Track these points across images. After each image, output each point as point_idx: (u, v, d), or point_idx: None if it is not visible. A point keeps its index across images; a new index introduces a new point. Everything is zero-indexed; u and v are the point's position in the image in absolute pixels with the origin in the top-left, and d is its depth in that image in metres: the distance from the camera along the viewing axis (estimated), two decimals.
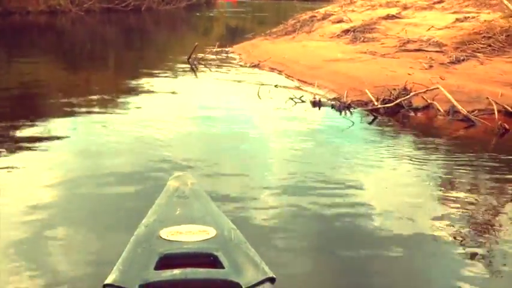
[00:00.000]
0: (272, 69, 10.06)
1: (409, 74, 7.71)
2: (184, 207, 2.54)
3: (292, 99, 7.42)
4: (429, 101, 6.67)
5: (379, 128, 6.48)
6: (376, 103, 6.83)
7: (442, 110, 6.48)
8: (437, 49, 9.11)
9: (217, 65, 11.01)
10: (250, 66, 10.60)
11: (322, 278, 2.96)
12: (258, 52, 11.54)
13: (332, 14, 13.00)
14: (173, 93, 8.25)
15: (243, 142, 5.54)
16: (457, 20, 10.36)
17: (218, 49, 12.26)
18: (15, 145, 5.31)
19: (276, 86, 8.42)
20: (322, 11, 14.65)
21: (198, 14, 33.83)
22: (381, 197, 4.07)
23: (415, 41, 9.74)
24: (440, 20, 10.75)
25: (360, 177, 4.45)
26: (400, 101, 6.73)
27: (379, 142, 5.62)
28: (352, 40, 10.67)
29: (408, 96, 6.76)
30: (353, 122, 6.48)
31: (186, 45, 15.21)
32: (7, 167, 4.52)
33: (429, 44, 9.39)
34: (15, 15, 25.61)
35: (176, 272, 1.99)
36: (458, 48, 8.95)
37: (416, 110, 6.74)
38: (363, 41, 10.47)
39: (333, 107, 7.05)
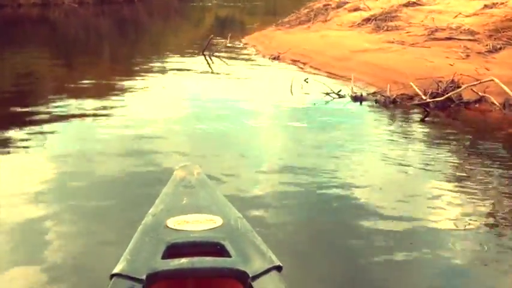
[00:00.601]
0: (294, 61, 9.59)
1: (450, 65, 7.29)
2: (191, 197, 2.54)
3: (328, 94, 6.97)
4: (481, 94, 6.25)
5: (435, 124, 6.06)
6: (424, 97, 6.40)
7: (497, 104, 6.07)
8: (470, 37, 8.69)
9: (234, 58, 10.54)
10: (270, 59, 10.12)
11: None
12: (275, 43, 11.06)
13: (347, 2, 12.50)
14: (197, 90, 7.78)
15: (300, 143, 5.10)
16: (486, 6, 9.93)
17: (229, 41, 11.79)
18: (3, 145, 5.09)
19: (306, 80, 7.95)
20: None
21: (193, 4, 33.12)
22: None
23: (444, 29, 9.30)
24: (466, 7, 10.31)
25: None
26: (451, 95, 6.31)
27: (446, 143, 5.13)
28: (374, 29, 10.21)
29: (460, 89, 6.32)
30: (406, 118, 6.07)
31: (193, 37, 14.79)
32: None
33: (460, 32, 8.97)
34: (7, 8, 24.91)
35: (183, 261, 1.98)
36: (492, 36, 8.53)
37: (468, 103, 6.32)
38: (387, 30, 10.00)
39: (376, 102, 6.61)
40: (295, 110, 6.59)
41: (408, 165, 4.37)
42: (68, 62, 11.19)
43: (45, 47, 14.14)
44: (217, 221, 2.29)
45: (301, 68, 9.16)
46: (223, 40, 11.54)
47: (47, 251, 3.00)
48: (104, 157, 4.64)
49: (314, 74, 8.57)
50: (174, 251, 2.10)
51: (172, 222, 2.28)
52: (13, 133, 5.44)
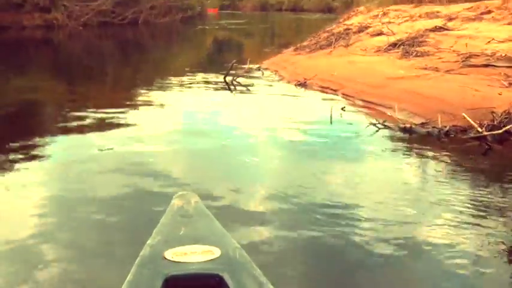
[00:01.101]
0: (323, 88, 9.23)
1: (499, 94, 6.95)
2: (189, 227, 2.54)
3: (374, 124, 6.59)
4: None
5: (501, 159, 5.68)
6: (480, 130, 6.03)
7: None
8: (509, 64, 8.38)
9: (258, 84, 10.16)
10: (296, 85, 9.76)
11: None
12: (299, 69, 10.73)
13: (368, 26, 12.22)
14: (225, 120, 7.36)
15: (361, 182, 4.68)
16: None
17: (249, 65, 11.44)
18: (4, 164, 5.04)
19: (343, 108, 7.59)
20: (349, 22, 13.91)
21: (199, 27, 32.95)
22: None
23: (478, 55, 8.99)
24: (498, 32, 10.03)
25: None
26: (510, 128, 5.94)
27: None
28: (403, 55, 9.90)
29: None
30: (465, 152, 5.68)
31: (202, 63, 14.40)
32: None
33: (497, 58, 8.66)
34: (11, 30, 24.59)
35: None
36: None
37: None
38: (416, 56, 9.71)
39: (428, 133, 6.24)
40: (340, 140, 6.21)
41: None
42: (70, 87, 10.71)
43: (47, 70, 13.88)
44: (215, 252, 2.29)
45: (333, 95, 8.79)
46: (243, 65, 11.15)
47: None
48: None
49: (348, 102, 8.21)
50: (172, 283, 2.11)
51: (170, 254, 2.27)
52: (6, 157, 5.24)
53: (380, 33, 11.64)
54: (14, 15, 24.88)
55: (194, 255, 2.26)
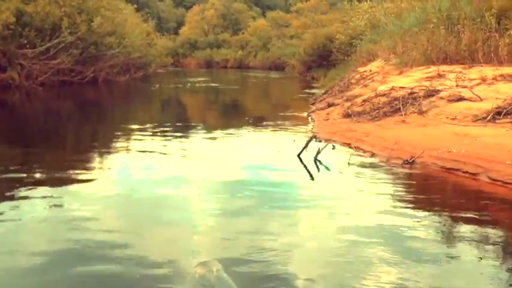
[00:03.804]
0: (449, 170, 7.35)
1: None
2: None
3: None
4: None
5: None
6: None
7: None
8: None
9: (344, 166, 8.17)
10: (403, 164, 7.84)
11: None
12: (385, 142, 8.85)
13: (438, 90, 10.60)
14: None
15: None
16: None
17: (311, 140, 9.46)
18: None
19: None
20: (396, 84, 12.31)
21: (163, 85, 30.81)
22: None
23: None
24: None
25: None
26: None
27: None
28: None
29: None
30: None
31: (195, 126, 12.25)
32: None
33: None
34: None
35: None
36: None
37: None
38: None
39: None
40: None
41: None
42: (23, 150, 9.33)
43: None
44: None
45: (472, 180, 6.92)
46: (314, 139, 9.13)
47: None
48: None
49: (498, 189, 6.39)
50: None
51: None
52: None
53: (460, 99, 10.01)
54: None
55: None
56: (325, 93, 19.27)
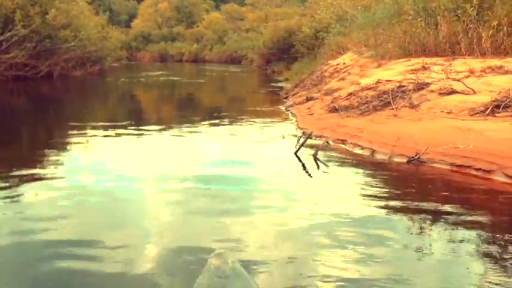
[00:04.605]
0: (458, 167, 7.02)
1: None
2: None
3: None
4: None
5: None
6: None
7: None
8: None
9: (343, 161, 7.75)
10: (408, 162, 7.46)
11: None
12: (383, 138, 8.47)
13: (427, 83, 10.31)
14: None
15: None
16: None
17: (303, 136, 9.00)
18: None
19: None
20: (378, 78, 11.99)
21: (122, 79, 29.78)
22: None
23: None
24: None
25: None
26: None
27: None
28: None
29: None
30: None
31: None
32: None
33: None
34: None
35: None
36: None
37: None
38: None
39: None
40: None
41: None
42: None
43: None
44: None
45: (485, 180, 6.60)
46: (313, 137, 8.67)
47: None
48: None
49: None
50: None
51: None
52: None
53: (452, 92, 9.73)
54: None
55: None
56: (295, 86, 18.87)
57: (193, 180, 6.58)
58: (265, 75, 34.41)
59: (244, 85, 28.86)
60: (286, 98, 16.83)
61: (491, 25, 11.90)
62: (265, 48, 39.70)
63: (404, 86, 10.43)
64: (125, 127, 11.28)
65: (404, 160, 7.58)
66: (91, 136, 10.31)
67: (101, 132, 10.85)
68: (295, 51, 31.12)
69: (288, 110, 13.57)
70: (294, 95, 16.60)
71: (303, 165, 7.59)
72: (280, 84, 23.29)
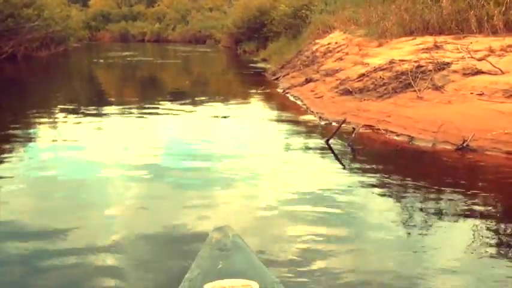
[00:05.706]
0: None
1: None
2: (227, 261, 2.54)
3: None
4: None
5: None
6: None
7: None
8: None
9: (382, 150, 7.10)
10: (456, 149, 6.87)
11: None
12: (419, 124, 7.86)
13: (448, 63, 9.73)
14: None
15: None
16: None
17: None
18: None
19: None
20: (387, 57, 11.36)
21: (94, 60, 28.32)
22: None
23: None
24: None
25: None
26: None
27: None
28: None
29: None
30: None
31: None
32: None
33: None
34: None
35: None
36: None
37: None
38: None
39: None
40: None
41: None
42: None
43: None
44: (253, 286, 2.27)
45: None
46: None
47: None
48: None
49: None
50: None
51: None
52: None
53: (477, 72, 9.17)
54: None
55: None
56: (282, 67, 18.09)
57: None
58: (237, 56, 33.46)
59: (222, 66, 27.90)
60: (276, 79, 16.04)
61: (503, 1, 11.41)
62: (235, 28, 38.55)
63: (423, 66, 9.81)
64: (118, 112, 10.50)
65: (451, 147, 6.96)
66: (61, 120, 9.81)
67: (78, 116, 10.20)
68: (268, 30, 30.18)
69: (287, 93, 12.82)
70: (284, 76, 15.83)
71: (336, 156, 6.88)
72: (260, 65, 22.48)
